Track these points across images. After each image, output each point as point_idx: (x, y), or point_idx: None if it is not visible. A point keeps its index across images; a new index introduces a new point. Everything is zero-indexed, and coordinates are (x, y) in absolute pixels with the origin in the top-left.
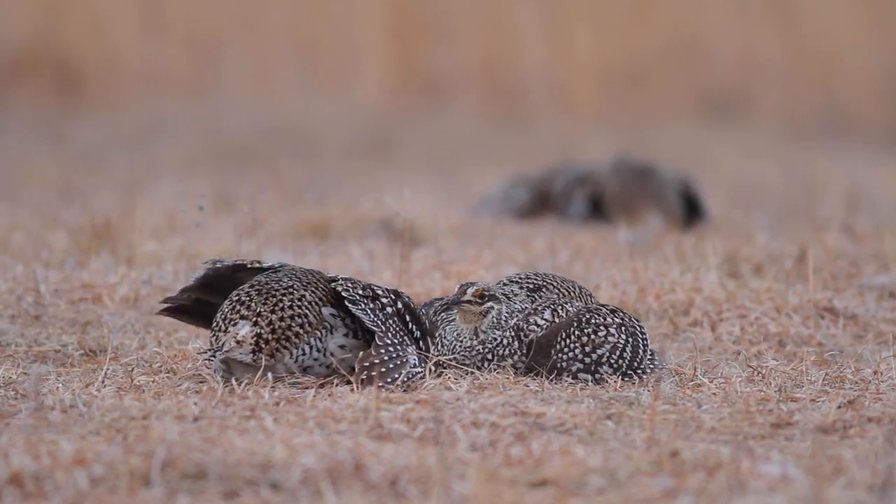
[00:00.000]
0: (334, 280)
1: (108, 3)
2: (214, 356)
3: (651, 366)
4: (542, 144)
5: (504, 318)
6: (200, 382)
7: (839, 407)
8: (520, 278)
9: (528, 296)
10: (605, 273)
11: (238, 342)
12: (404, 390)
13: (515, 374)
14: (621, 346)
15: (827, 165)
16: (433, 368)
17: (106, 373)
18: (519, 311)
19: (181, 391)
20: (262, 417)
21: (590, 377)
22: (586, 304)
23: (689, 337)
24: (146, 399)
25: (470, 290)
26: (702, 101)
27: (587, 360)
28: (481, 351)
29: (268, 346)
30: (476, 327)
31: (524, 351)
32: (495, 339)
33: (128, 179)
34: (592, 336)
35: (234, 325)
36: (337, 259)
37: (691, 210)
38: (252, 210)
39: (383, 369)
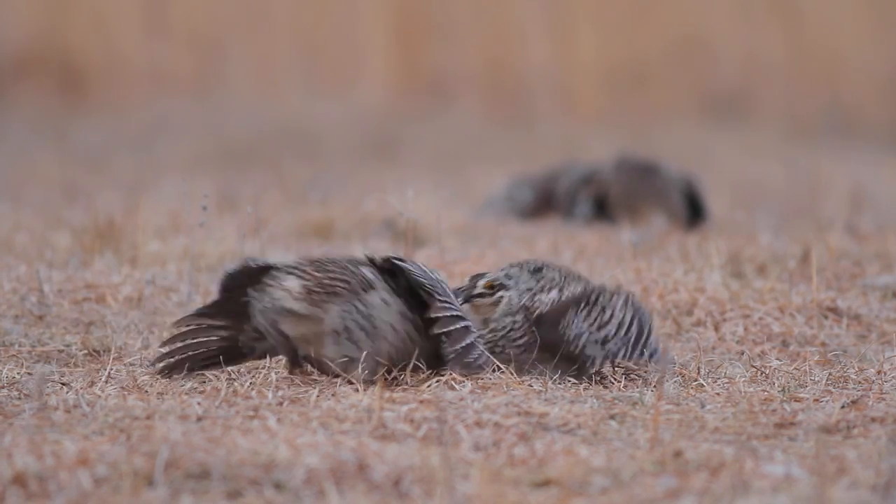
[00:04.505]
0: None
1: (112, 3)
2: (257, 315)
3: (656, 346)
4: (546, 144)
5: (514, 303)
6: (204, 382)
7: (843, 407)
8: (520, 263)
9: (530, 275)
10: (608, 273)
11: (287, 290)
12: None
13: (525, 352)
14: (627, 322)
15: (830, 165)
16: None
17: (109, 373)
18: (526, 291)
19: (184, 391)
20: (266, 417)
21: (598, 354)
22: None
23: (693, 337)
24: (150, 399)
25: (480, 283)
26: (705, 101)
27: (595, 337)
28: (493, 338)
29: (317, 296)
30: (487, 318)
31: (533, 329)
32: (506, 326)
33: (131, 179)
34: (600, 313)
35: (282, 280)
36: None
37: (694, 210)
38: (255, 210)
39: (464, 343)
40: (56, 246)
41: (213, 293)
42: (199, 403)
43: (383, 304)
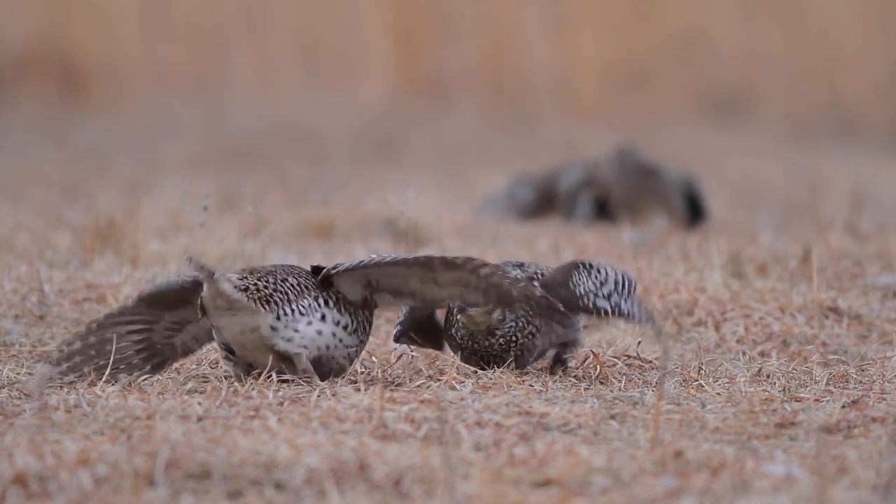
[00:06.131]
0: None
1: (113, 3)
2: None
3: (639, 301)
4: (547, 144)
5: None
6: (204, 382)
7: (843, 407)
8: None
9: (514, 267)
10: None
11: (228, 280)
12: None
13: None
14: (620, 279)
15: (831, 165)
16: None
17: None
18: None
19: (185, 391)
20: (266, 417)
21: (608, 306)
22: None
23: (694, 337)
24: (150, 399)
25: None
26: (705, 101)
27: (601, 292)
28: (502, 344)
29: (253, 294)
30: (488, 326)
31: (539, 308)
32: (511, 326)
33: (132, 179)
34: (597, 273)
35: (224, 278)
36: (341, 259)
37: (694, 210)
38: (256, 210)
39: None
40: (57, 246)
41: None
42: (199, 403)
43: (320, 322)
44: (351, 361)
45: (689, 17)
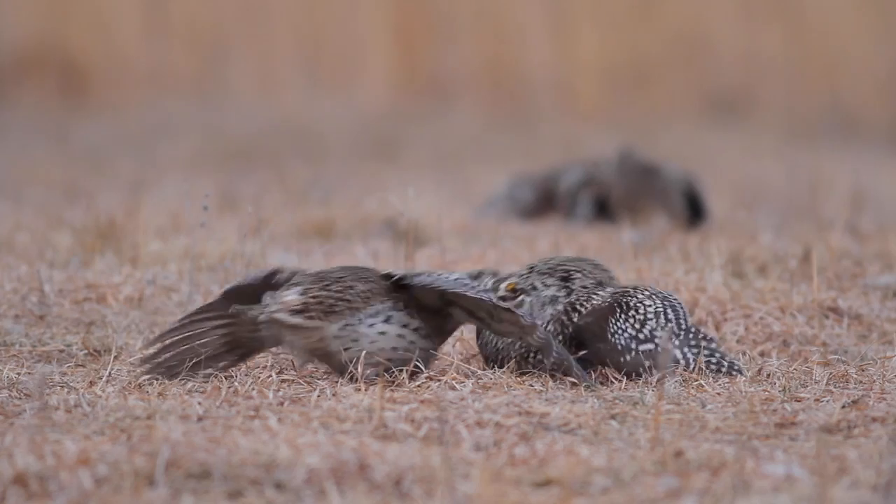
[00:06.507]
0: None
1: (112, 3)
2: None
3: (698, 332)
4: (547, 144)
5: (536, 309)
6: (205, 382)
7: (843, 407)
8: (549, 269)
9: (559, 283)
10: None
11: (283, 304)
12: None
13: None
14: (661, 310)
15: (831, 165)
16: None
17: (110, 373)
18: (551, 299)
19: (185, 391)
20: (267, 417)
21: (652, 346)
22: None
23: None
24: (150, 399)
25: (503, 286)
26: (706, 101)
27: (641, 335)
28: (529, 348)
29: (315, 312)
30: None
31: (567, 335)
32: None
33: (132, 179)
34: (634, 313)
35: (283, 294)
36: (341, 259)
37: (695, 210)
38: (256, 210)
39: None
40: (57, 246)
41: (215, 295)
42: (199, 403)
43: (383, 324)
44: (426, 363)
45: (689, 18)
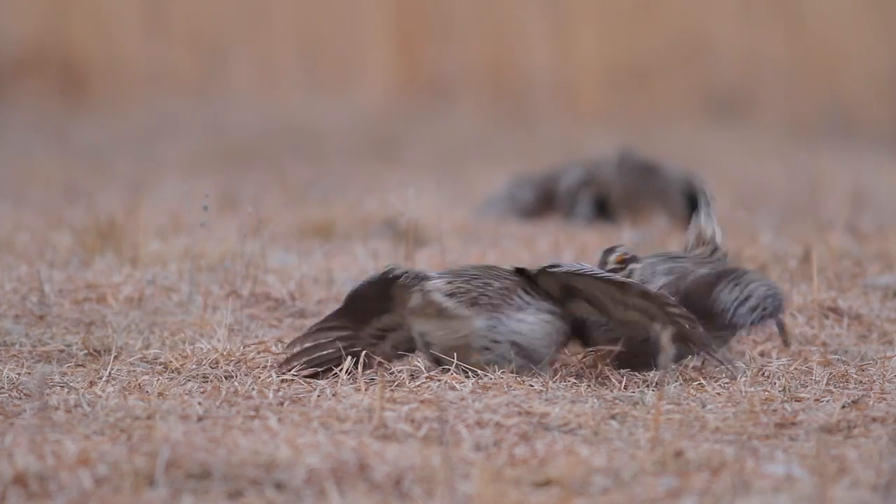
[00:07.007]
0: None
1: (112, 3)
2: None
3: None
4: (547, 144)
5: (647, 274)
6: (205, 382)
7: (843, 407)
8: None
9: (667, 259)
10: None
11: (436, 288)
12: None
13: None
14: (763, 296)
15: (831, 165)
16: None
17: (110, 373)
18: (664, 264)
19: (185, 391)
20: (267, 417)
21: (746, 321)
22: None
23: None
24: (150, 399)
25: (612, 258)
26: (706, 101)
27: (741, 310)
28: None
29: (462, 299)
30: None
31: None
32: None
33: (132, 179)
34: (742, 289)
35: (430, 280)
36: (341, 259)
37: (694, 209)
38: (256, 210)
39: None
40: (57, 246)
41: (341, 301)
42: (199, 403)
43: (534, 321)
44: (556, 352)
45: (690, 18)
